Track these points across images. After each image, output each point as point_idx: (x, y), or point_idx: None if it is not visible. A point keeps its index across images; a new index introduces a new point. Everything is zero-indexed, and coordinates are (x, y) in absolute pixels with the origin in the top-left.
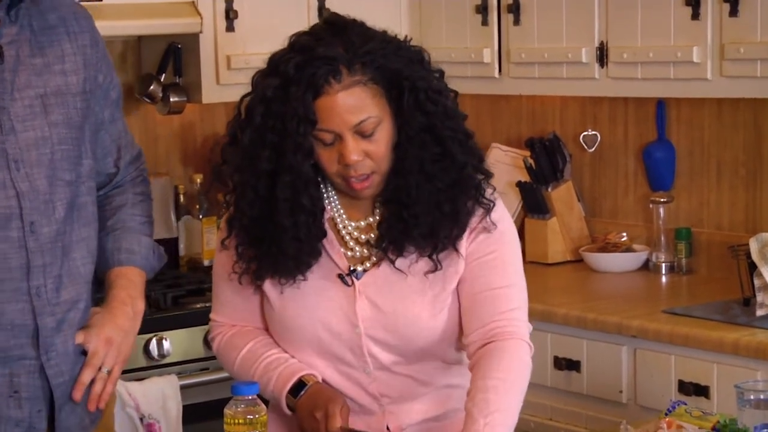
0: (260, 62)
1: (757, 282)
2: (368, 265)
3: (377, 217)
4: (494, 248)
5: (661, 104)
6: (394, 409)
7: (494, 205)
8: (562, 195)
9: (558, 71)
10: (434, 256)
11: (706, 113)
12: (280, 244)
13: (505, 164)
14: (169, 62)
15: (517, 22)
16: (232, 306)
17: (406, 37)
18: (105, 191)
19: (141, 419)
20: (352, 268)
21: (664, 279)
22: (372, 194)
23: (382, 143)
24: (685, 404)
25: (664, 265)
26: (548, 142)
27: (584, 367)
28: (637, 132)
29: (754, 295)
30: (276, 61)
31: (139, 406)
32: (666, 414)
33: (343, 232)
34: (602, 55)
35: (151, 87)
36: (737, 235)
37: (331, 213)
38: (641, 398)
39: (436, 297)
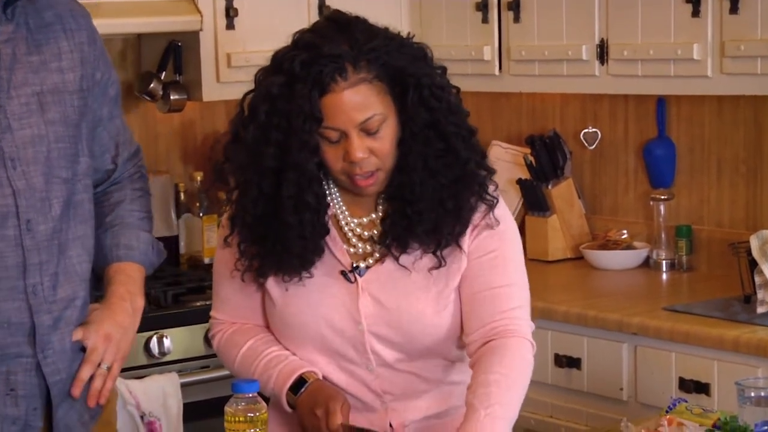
0: (260, 60)
1: (757, 279)
2: (371, 261)
3: (380, 214)
4: (495, 247)
5: (661, 101)
6: (397, 407)
7: (497, 201)
8: (562, 192)
9: (558, 68)
10: (438, 253)
11: (706, 110)
12: (286, 242)
13: (506, 162)
14: (169, 60)
15: (517, 19)
16: (232, 303)
17: (408, 33)
18: (103, 188)
19: (142, 417)
20: (354, 265)
21: (664, 276)
22: (376, 191)
23: (386, 140)
24: (686, 401)
25: (664, 262)
26: (548, 140)
27: (585, 365)
28: (637, 129)
29: (755, 292)
30: (281, 58)
31: (139, 404)
32: (667, 411)
33: (346, 228)
34: (602, 53)
35: (151, 85)
36: (738, 232)
37: (334, 210)
38: (642, 395)
39: (440, 293)
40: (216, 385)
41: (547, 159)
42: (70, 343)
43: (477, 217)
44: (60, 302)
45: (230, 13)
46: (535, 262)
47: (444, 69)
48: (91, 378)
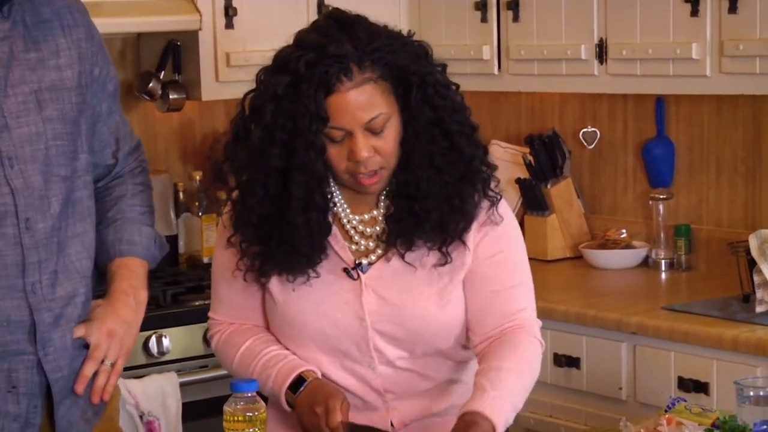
0: (260, 59)
1: (756, 278)
2: (373, 258)
3: (381, 210)
4: (502, 247)
5: (660, 101)
6: (398, 405)
7: (500, 198)
8: (561, 192)
9: (557, 68)
10: (444, 249)
11: (705, 110)
12: (294, 241)
13: (505, 161)
14: (168, 59)
15: (516, 19)
16: (232, 304)
17: (409, 31)
18: (104, 183)
19: (141, 417)
20: (357, 262)
21: (663, 276)
22: (379, 189)
23: (390, 139)
24: (685, 401)
25: (663, 261)
26: (547, 139)
27: (584, 364)
28: (636, 129)
29: (754, 292)
30: (284, 58)
31: (138, 404)
32: (666, 411)
33: (348, 226)
34: (601, 52)
35: (151, 84)
36: (736, 231)
37: (335, 207)
38: (641, 395)
39: (443, 289)
40: (215, 384)
41: (546, 158)
42: (71, 340)
43: (481, 215)
44: (60, 300)
45: (229, 12)
46: (534, 261)
47: (444, 66)
48: (95, 374)
